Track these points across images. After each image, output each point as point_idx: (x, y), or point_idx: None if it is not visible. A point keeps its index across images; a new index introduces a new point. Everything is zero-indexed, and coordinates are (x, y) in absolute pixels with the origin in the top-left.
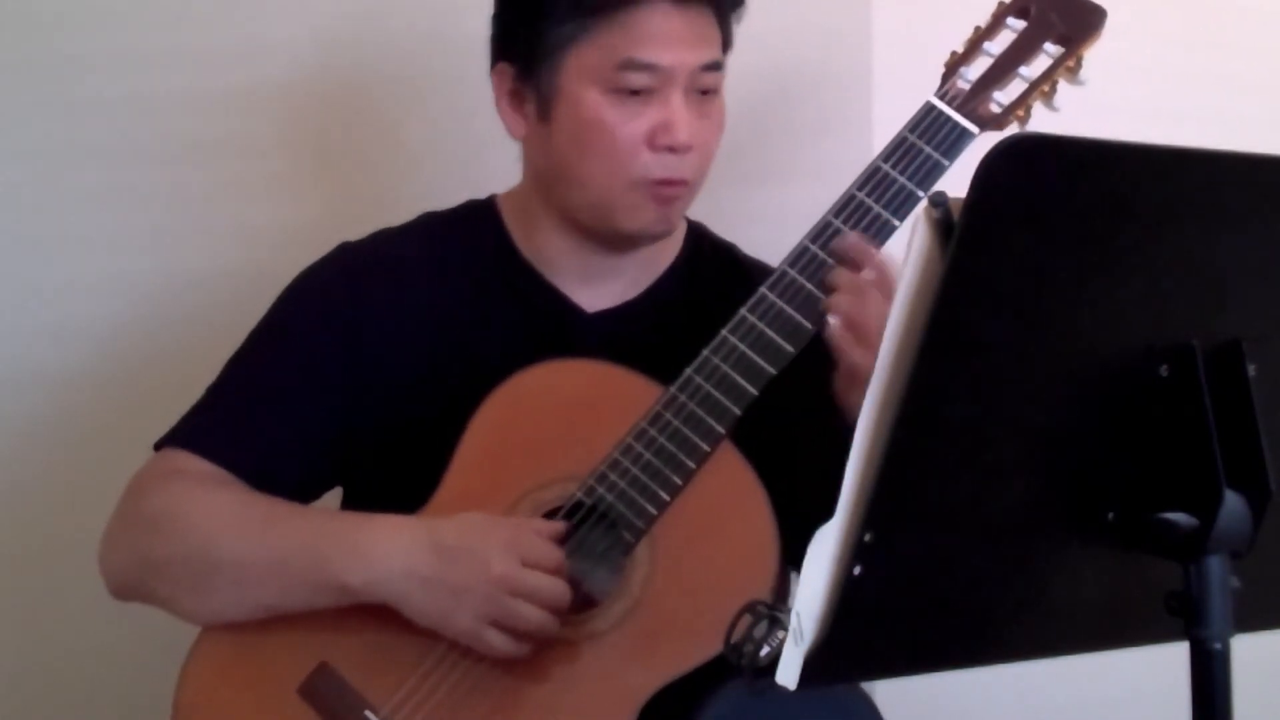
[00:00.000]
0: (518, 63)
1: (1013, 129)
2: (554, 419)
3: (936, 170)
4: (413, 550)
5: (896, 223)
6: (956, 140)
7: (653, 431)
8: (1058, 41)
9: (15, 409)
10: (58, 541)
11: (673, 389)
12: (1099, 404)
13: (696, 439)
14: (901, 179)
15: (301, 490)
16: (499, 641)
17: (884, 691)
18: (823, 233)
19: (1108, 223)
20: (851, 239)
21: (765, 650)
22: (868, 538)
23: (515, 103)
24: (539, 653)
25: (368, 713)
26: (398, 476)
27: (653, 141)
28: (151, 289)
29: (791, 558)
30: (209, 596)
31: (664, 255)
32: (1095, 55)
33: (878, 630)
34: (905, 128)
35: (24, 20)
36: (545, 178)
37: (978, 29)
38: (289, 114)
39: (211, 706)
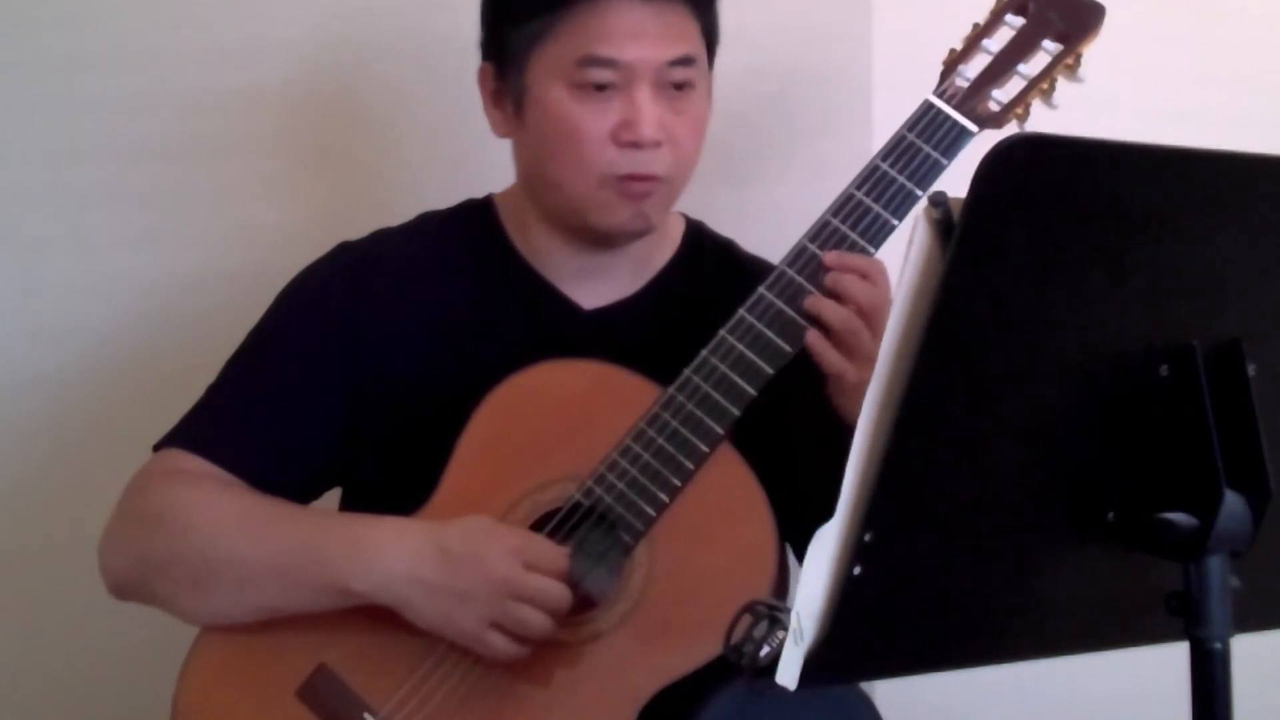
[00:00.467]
0: (495, 62)
1: (1012, 127)
2: (553, 419)
3: (936, 169)
4: (416, 554)
5: (895, 222)
6: (955, 139)
7: (651, 432)
8: (1057, 39)
9: (15, 409)
10: (58, 541)
11: (671, 390)
12: (1099, 404)
13: (695, 440)
14: (900, 178)
15: (301, 490)
16: (500, 644)
17: (884, 691)
18: (821, 232)
19: (1108, 222)
20: (830, 259)
21: (765, 650)
22: (868, 538)
23: (497, 102)
24: (539, 654)
25: (367, 715)
26: (397, 476)
27: (618, 137)
28: (151, 289)
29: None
30: (209, 597)
31: (661, 252)
32: (1094, 53)
33: (878, 630)
34: (904, 126)
35: (24, 20)
36: (528, 179)
37: (976, 26)
38: (288, 114)
39: (211, 708)
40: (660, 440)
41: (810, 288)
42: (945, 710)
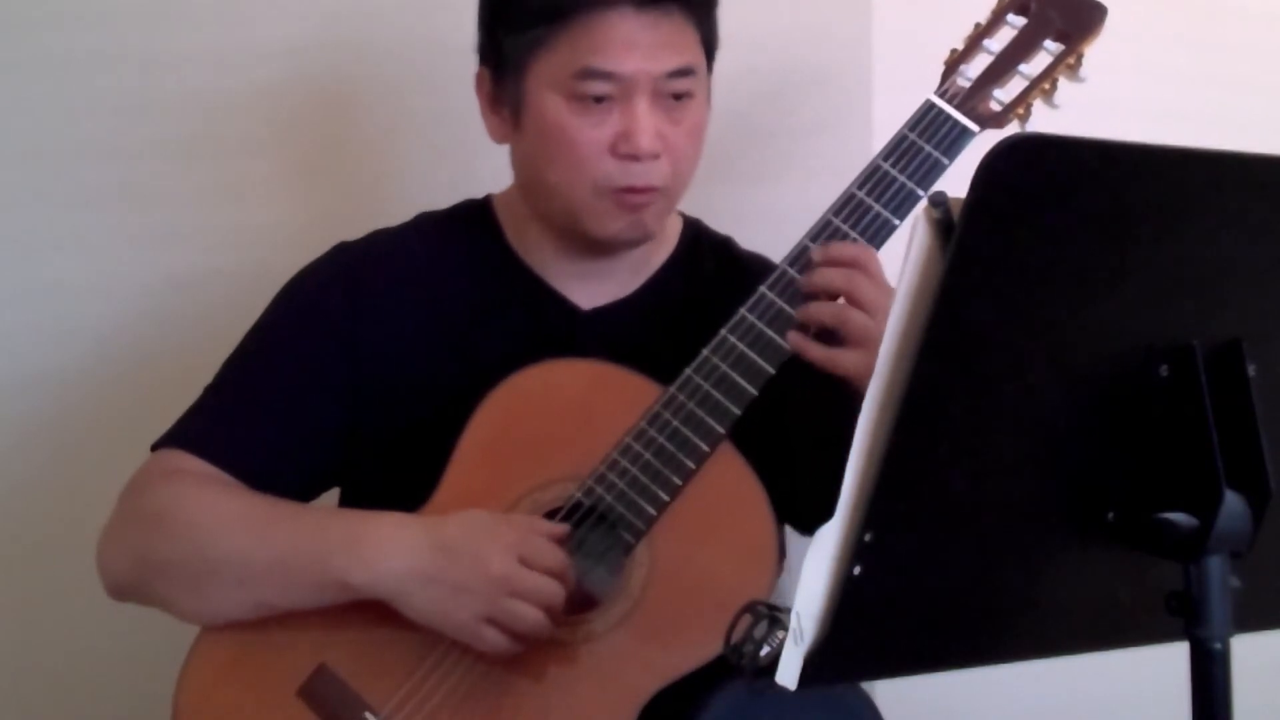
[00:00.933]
0: (492, 69)
1: (1013, 127)
2: (553, 419)
3: (937, 169)
4: (414, 548)
5: (896, 222)
6: (957, 139)
7: (652, 432)
8: (1058, 39)
9: (15, 409)
10: (57, 541)
11: (672, 389)
12: (1099, 404)
13: (696, 439)
14: (901, 178)
15: (299, 490)
16: (495, 639)
17: (884, 691)
18: (822, 231)
19: (1108, 222)
20: (817, 254)
21: (765, 650)
22: (868, 538)
23: (495, 107)
24: (539, 653)
25: (367, 714)
26: (396, 477)
27: (615, 149)
28: (151, 289)
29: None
30: (208, 596)
31: (659, 251)
32: (1096, 54)
33: (878, 630)
34: (905, 126)
35: (24, 20)
36: (525, 185)
37: (978, 26)
38: (287, 115)
39: (211, 707)
40: (661, 439)
41: None
42: (945, 710)
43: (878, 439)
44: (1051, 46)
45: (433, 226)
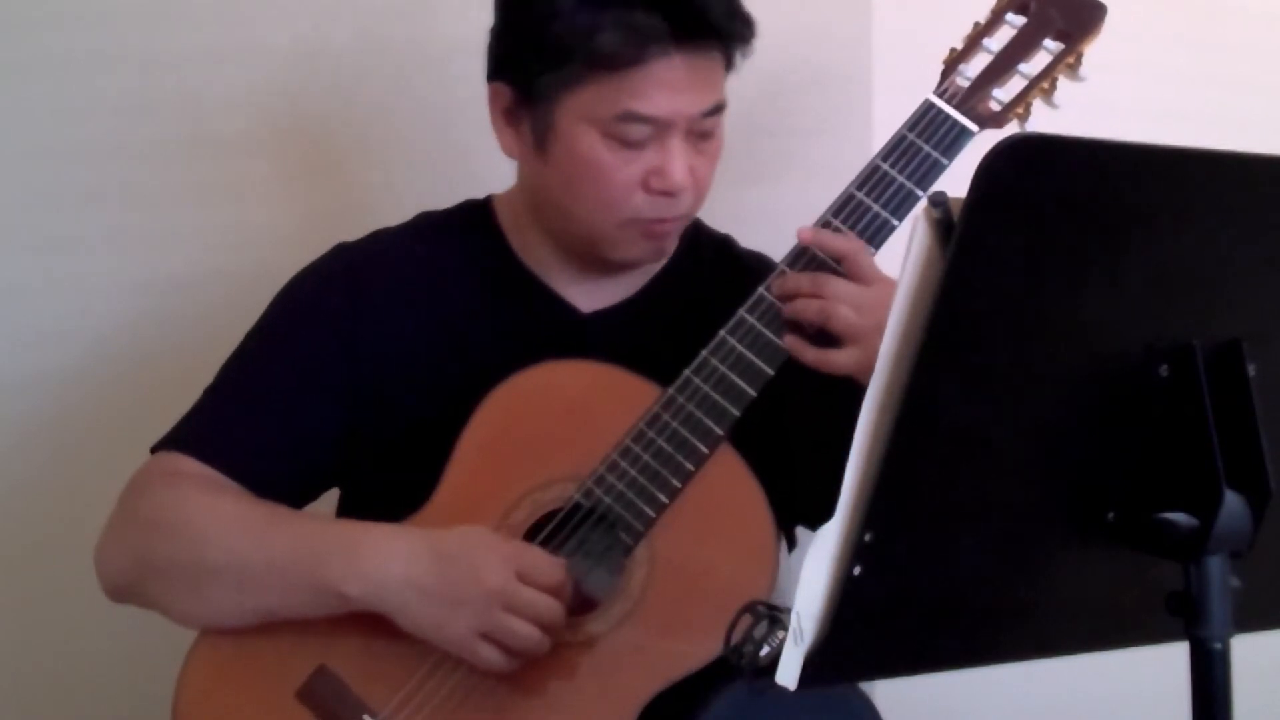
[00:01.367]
0: (515, 87)
1: (1012, 127)
2: (552, 420)
3: (936, 169)
4: (411, 560)
5: (896, 222)
6: (956, 138)
7: (651, 433)
8: (1057, 38)
9: (14, 409)
10: (57, 541)
11: (671, 390)
12: (1099, 404)
13: (695, 441)
14: (901, 178)
15: (299, 492)
16: (490, 655)
17: (884, 691)
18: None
19: (1108, 222)
20: (805, 236)
21: (765, 650)
22: (868, 538)
23: (511, 121)
24: (539, 655)
25: (366, 716)
26: (395, 477)
27: (647, 184)
28: (150, 289)
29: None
30: (206, 600)
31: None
32: (1095, 53)
33: (878, 630)
34: (904, 126)
35: (24, 20)
36: (537, 199)
37: (977, 25)
38: (287, 115)
39: (210, 708)
40: (660, 441)
41: None
42: (945, 710)
43: (878, 439)
44: (1051, 46)
45: (433, 227)
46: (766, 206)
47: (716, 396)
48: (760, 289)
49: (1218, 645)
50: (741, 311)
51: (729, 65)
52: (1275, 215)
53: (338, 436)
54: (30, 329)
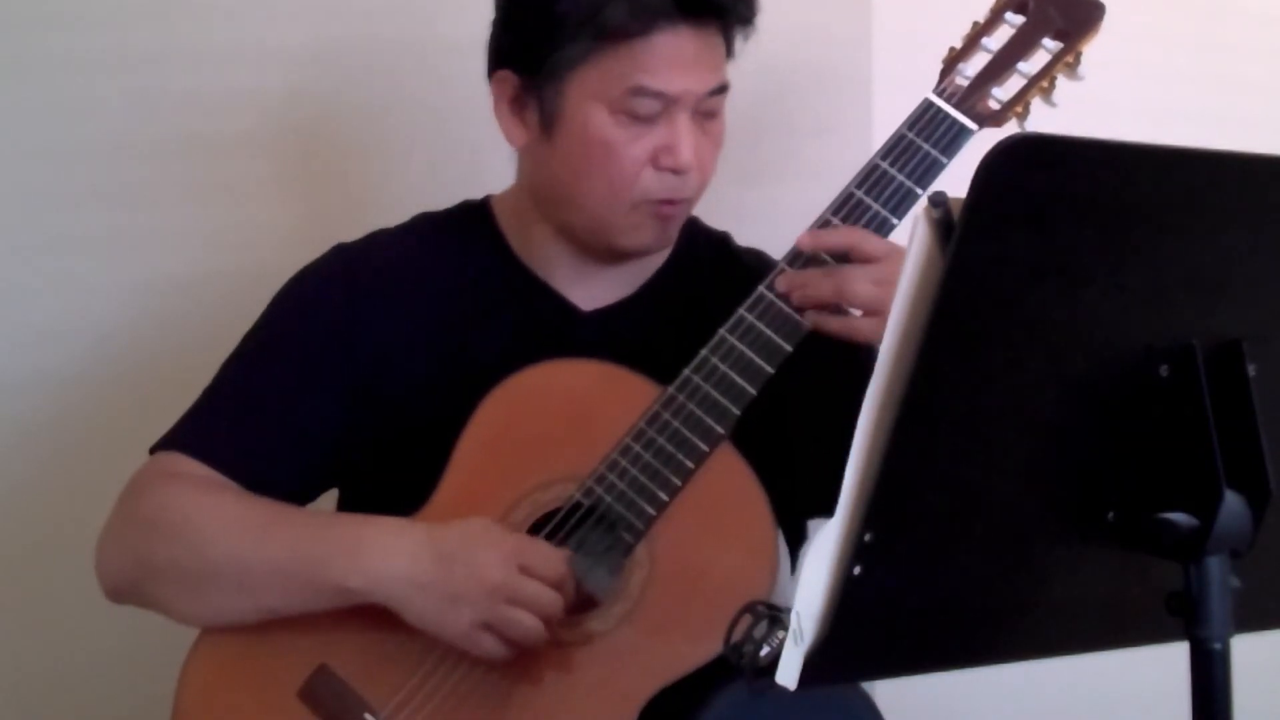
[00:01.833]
0: (522, 73)
1: (1011, 126)
2: (552, 419)
3: (935, 168)
4: (413, 553)
5: (895, 221)
6: (955, 137)
7: (651, 432)
8: (1056, 37)
9: (14, 409)
10: (57, 542)
11: (671, 389)
12: (1099, 404)
13: (695, 439)
14: (900, 176)
15: (298, 492)
16: (492, 646)
17: (884, 691)
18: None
19: (1107, 223)
20: (804, 242)
21: (765, 650)
22: (868, 538)
23: (516, 110)
24: (539, 654)
25: (367, 715)
26: (395, 478)
27: (656, 162)
28: (150, 289)
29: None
30: (207, 600)
31: (659, 252)
32: (1094, 52)
33: (878, 630)
34: (904, 125)
35: (24, 20)
36: (541, 190)
37: (976, 24)
38: (287, 115)
39: (211, 708)
40: (660, 440)
41: None
42: (945, 710)
43: (878, 439)
44: (1050, 45)
45: (432, 227)
46: (767, 206)
47: (717, 395)
48: (760, 287)
49: (1218, 645)
50: (741, 310)
51: (730, 46)
52: (1275, 215)
53: (337, 437)
54: (30, 329)
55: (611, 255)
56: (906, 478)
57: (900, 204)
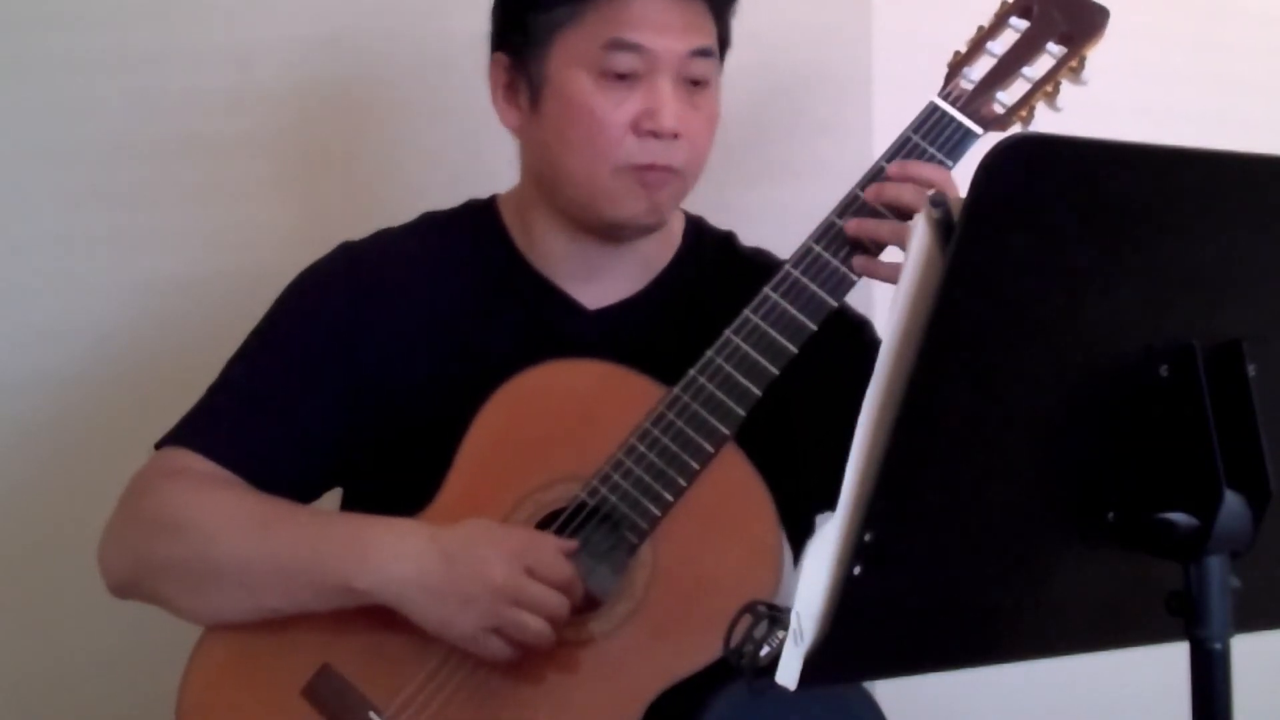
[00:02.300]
0: (511, 52)
1: (1015, 129)
2: (557, 419)
3: (941, 167)
4: (419, 555)
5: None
6: (960, 141)
7: (656, 432)
8: (1060, 41)
9: (15, 409)
10: (58, 541)
11: (676, 389)
12: (1099, 404)
13: (700, 439)
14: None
15: (302, 490)
16: (498, 648)
17: (884, 691)
18: (826, 234)
19: (1107, 222)
20: (893, 170)
21: (765, 650)
22: (868, 538)
23: (509, 94)
24: (543, 654)
25: (371, 714)
26: (399, 477)
27: (638, 126)
28: (152, 289)
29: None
30: (210, 598)
31: (664, 251)
32: (1096, 54)
33: (878, 630)
34: (909, 128)
35: (24, 20)
36: (537, 171)
37: (980, 29)
38: (289, 114)
39: (215, 707)
40: (665, 440)
41: (815, 289)
42: (945, 710)
43: (878, 439)
44: (1054, 49)
45: (437, 226)
46: (766, 206)
47: (722, 395)
48: (765, 289)
49: (1218, 645)
50: (747, 311)
51: (719, 21)
52: (1275, 215)
53: (341, 435)
54: (30, 329)
55: (605, 231)
56: (906, 478)
57: None
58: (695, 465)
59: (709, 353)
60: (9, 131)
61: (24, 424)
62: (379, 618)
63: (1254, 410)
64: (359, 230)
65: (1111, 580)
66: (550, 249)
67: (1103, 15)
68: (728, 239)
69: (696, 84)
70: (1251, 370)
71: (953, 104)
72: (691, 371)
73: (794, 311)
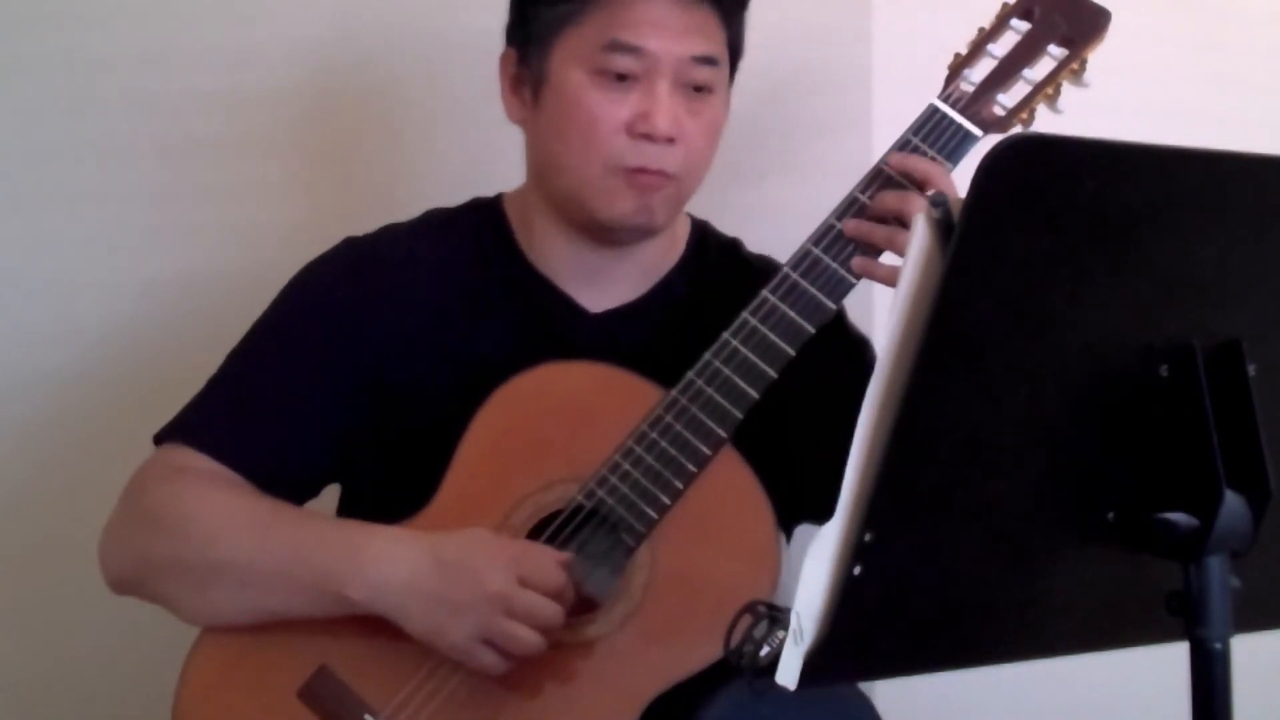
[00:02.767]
0: (519, 46)
1: (1016, 131)
2: (555, 421)
3: (939, 165)
4: (413, 564)
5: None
6: (960, 143)
7: (653, 435)
8: (1061, 43)
9: (15, 409)
10: (58, 541)
11: (674, 392)
12: (1099, 404)
13: (697, 442)
14: (905, 182)
15: (301, 487)
16: (490, 659)
17: (884, 691)
18: (825, 236)
19: (1108, 222)
20: (895, 160)
21: (765, 650)
22: (868, 538)
23: (516, 87)
24: (541, 656)
25: (367, 716)
26: (397, 476)
27: (632, 128)
28: (152, 289)
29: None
30: (208, 598)
31: (668, 255)
32: (1096, 53)
33: (878, 630)
34: (909, 130)
35: (24, 20)
36: (537, 168)
37: (981, 30)
38: (289, 114)
39: (211, 708)
40: (662, 442)
41: (814, 291)
42: (945, 710)
43: (878, 439)
44: (1055, 51)
45: (442, 224)
46: (766, 206)
47: (719, 398)
48: (764, 291)
49: (1218, 645)
50: (745, 313)
51: (729, 27)
52: (1275, 215)
53: (340, 432)
54: (30, 329)
55: (597, 232)
56: (906, 478)
57: None
58: (692, 468)
59: (706, 355)
60: (9, 131)
61: (24, 424)
62: (377, 620)
63: (1254, 410)
64: (360, 230)
65: (1111, 580)
66: (551, 250)
67: (1104, 17)
68: (733, 245)
69: (698, 90)
70: (1251, 370)
71: (953, 106)
72: (689, 374)
73: (792, 314)
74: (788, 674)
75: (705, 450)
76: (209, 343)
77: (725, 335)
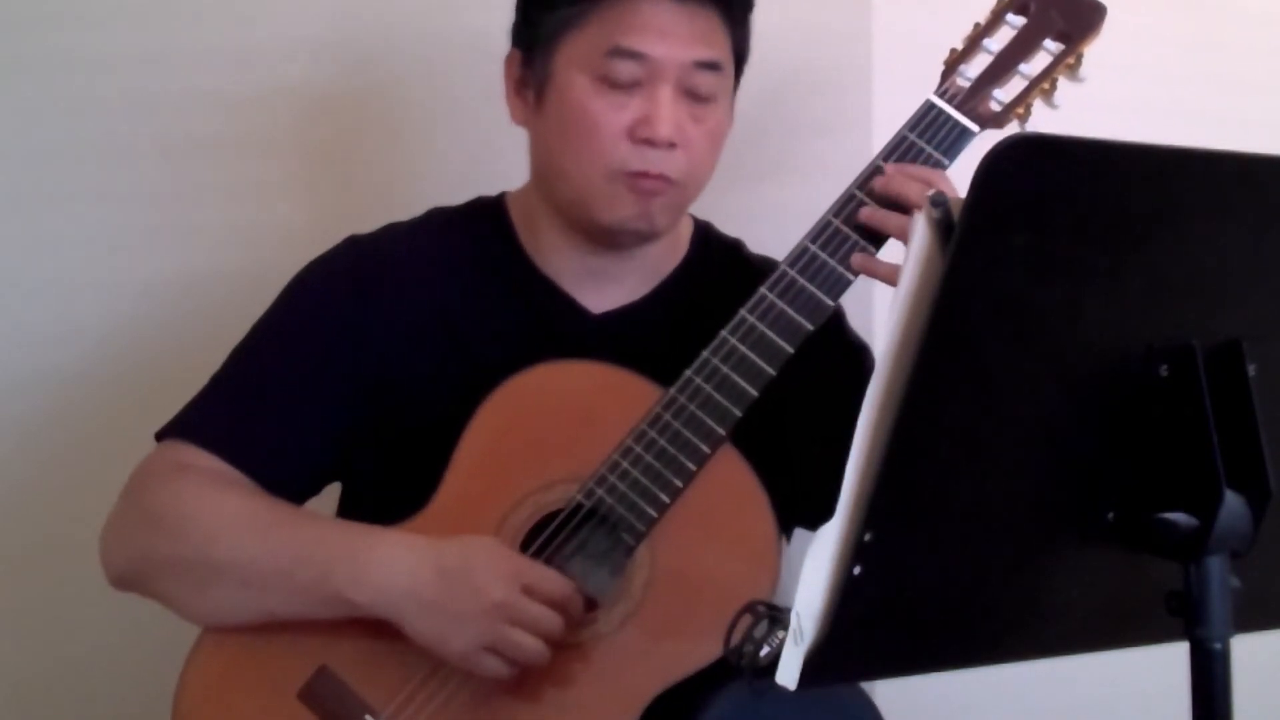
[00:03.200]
0: (523, 48)
1: (1013, 127)
2: (555, 420)
3: (937, 169)
4: (415, 570)
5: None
6: (957, 139)
7: (652, 434)
8: (1058, 39)
9: (15, 409)
10: (58, 541)
11: (672, 391)
12: (1099, 404)
13: (696, 441)
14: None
15: (301, 485)
16: (492, 666)
17: (884, 691)
18: (823, 233)
19: (1108, 222)
20: (890, 169)
21: (765, 650)
22: (868, 538)
23: (520, 89)
24: None
25: (368, 717)
26: (397, 475)
27: (634, 133)
28: (151, 289)
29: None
30: (208, 597)
31: (671, 256)
32: (1095, 53)
33: (878, 630)
34: (905, 126)
35: (24, 20)
36: (539, 170)
37: (977, 26)
38: (290, 113)
39: (211, 709)
40: (661, 441)
41: (812, 289)
42: (945, 710)
43: (878, 439)
44: (1051, 46)
45: (444, 223)
46: (766, 207)
47: (718, 396)
48: (761, 289)
49: (1218, 645)
50: (743, 311)
51: (734, 33)
52: (1275, 215)
53: (342, 431)
54: (30, 329)
55: (597, 234)
56: (906, 478)
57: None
58: (692, 467)
59: (705, 354)
60: (9, 131)
61: (24, 424)
62: (378, 620)
63: (1254, 410)
64: (361, 229)
65: (1111, 580)
66: (553, 251)
67: (1100, 12)
68: (735, 246)
69: (702, 96)
70: (1251, 370)
71: (949, 102)
72: (688, 373)
73: (791, 312)
74: (788, 674)
75: (704, 449)
76: (209, 343)
77: (724, 333)
